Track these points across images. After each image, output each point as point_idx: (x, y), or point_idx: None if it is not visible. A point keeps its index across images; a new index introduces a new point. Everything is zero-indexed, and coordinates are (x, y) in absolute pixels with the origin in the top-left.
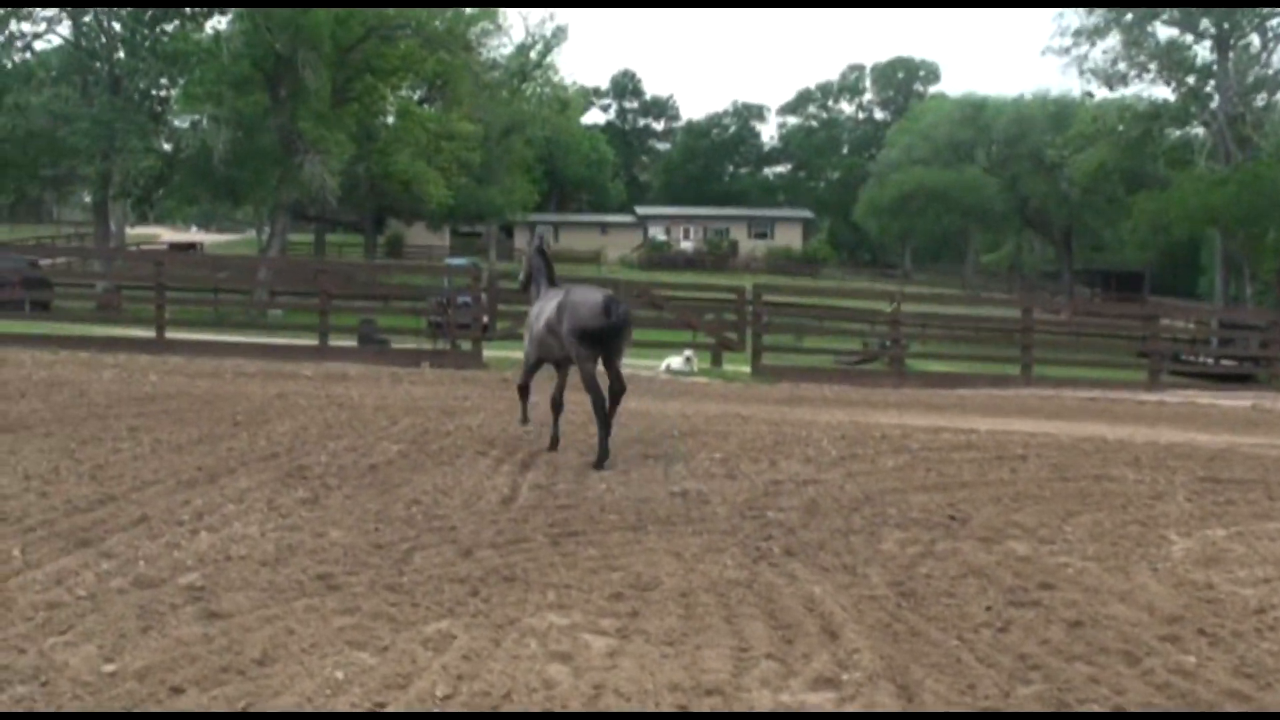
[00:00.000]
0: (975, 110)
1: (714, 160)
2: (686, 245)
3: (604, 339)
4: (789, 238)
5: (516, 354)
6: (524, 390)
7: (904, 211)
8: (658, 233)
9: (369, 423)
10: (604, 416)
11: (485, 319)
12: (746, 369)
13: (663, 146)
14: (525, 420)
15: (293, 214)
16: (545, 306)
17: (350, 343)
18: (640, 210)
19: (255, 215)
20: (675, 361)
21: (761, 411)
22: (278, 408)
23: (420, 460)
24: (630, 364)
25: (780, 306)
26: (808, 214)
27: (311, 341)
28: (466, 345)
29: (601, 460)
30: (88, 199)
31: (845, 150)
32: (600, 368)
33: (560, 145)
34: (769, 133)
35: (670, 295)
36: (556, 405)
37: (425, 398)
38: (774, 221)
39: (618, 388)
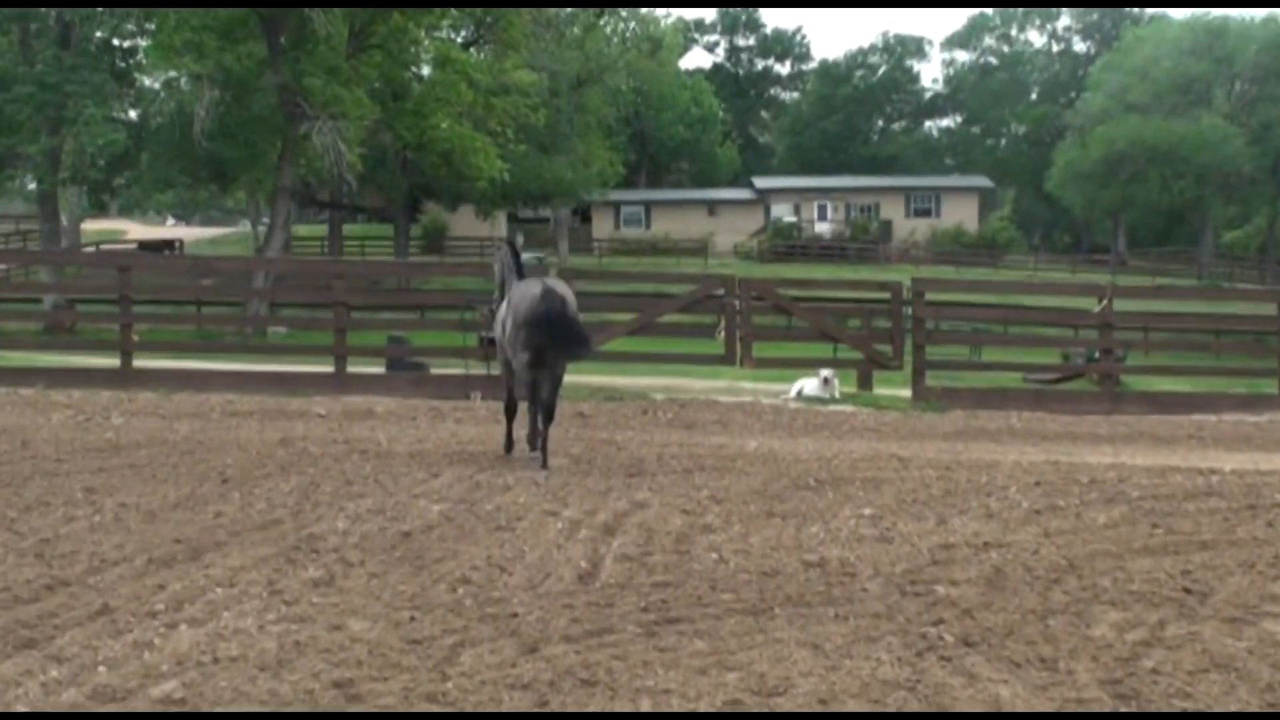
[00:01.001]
0: (1212, 37)
1: (857, 114)
2: (823, 228)
3: (541, 333)
4: (960, 214)
5: (597, 379)
6: (510, 410)
7: (1115, 177)
8: (783, 212)
9: (402, 476)
10: (536, 425)
11: None
12: (905, 393)
13: (789, 97)
14: (509, 448)
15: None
16: (505, 308)
17: (376, 369)
18: (760, 183)
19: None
20: (809, 385)
21: (926, 450)
22: (281, 458)
23: (470, 525)
24: (750, 387)
25: (950, 308)
26: (984, 182)
27: (325, 368)
28: None
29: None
30: (31, 186)
31: (1034, 96)
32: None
33: (652, 99)
34: (931, 75)
35: (801, 296)
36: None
37: (476, 440)
38: (939, 193)
39: (549, 402)
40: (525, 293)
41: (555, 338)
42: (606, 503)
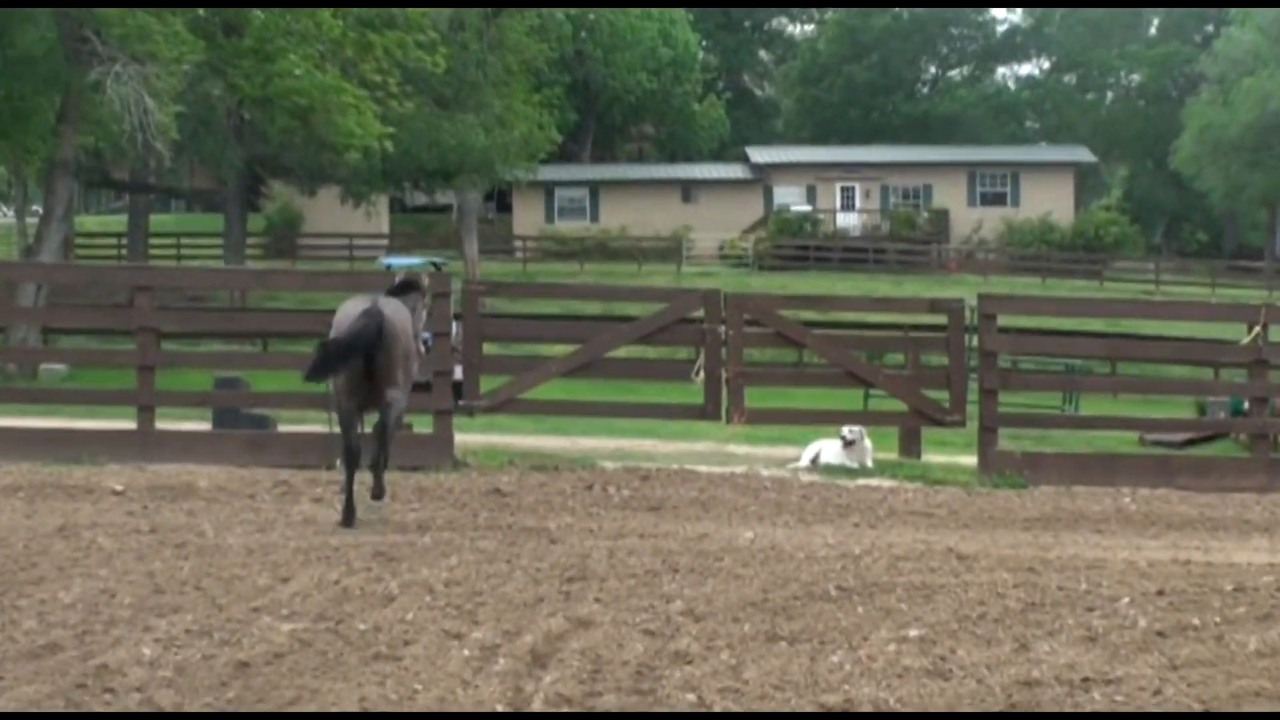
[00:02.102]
0: None
1: (898, 56)
2: (848, 221)
3: (349, 355)
4: (1047, 201)
5: (522, 439)
6: (349, 457)
7: (1271, 150)
8: (792, 198)
9: (236, 580)
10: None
11: (457, 371)
12: (969, 460)
13: (799, 31)
14: (348, 518)
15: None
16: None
17: (199, 424)
18: (758, 156)
19: (12, 183)
20: (828, 449)
21: (999, 543)
22: (59, 555)
23: (336, 652)
24: (743, 452)
25: (1034, 338)
26: (1082, 156)
27: (124, 423)
28: (421, 422)
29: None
30: None
31: (1153, 30)
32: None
33: (601, 33)
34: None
35: (817, 321)
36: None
37: (343, 531)
38: (1017, 171)
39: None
40: (347, 313)
41: (362, 355)
42: (535, 620)
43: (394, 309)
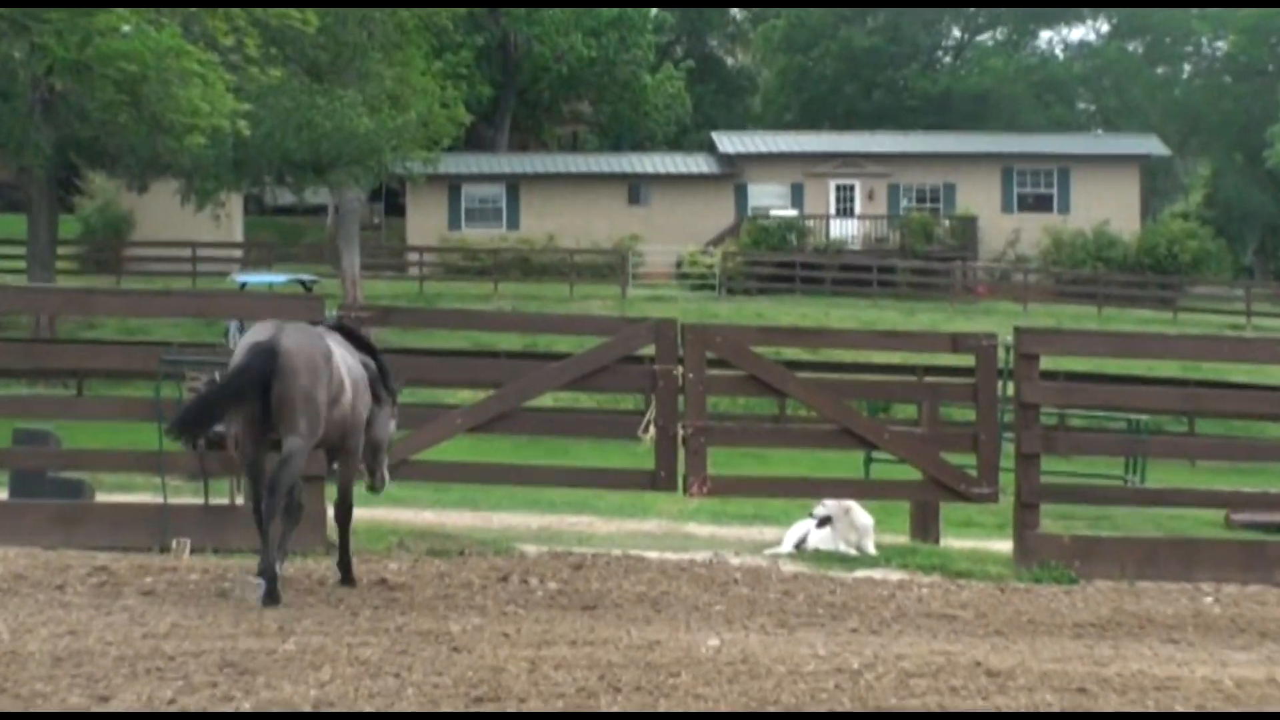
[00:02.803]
0: None
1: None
2: (846, 230)
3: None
4: (1105, 208)
5: (417, 514)
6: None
7: None
8: (771, 199)
9: (38, 699)
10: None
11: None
12: (1002, 546)
13: None
14: (270, 596)
15: None
16: None
17: None
18: (728, 143)
19: None
20: (815, 532)
21: (1041, 655)
22: None
23: None
24: (706, 533)
25: (1086, 385)
26: (1152, 147)
27: None
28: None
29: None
30: None
31: None
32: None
33: None
34: None
35: (803, 361)
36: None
37: (180, 634)
38: (1067, 167)
39: (274, 480)
40: (242, 345)
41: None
42: None
43: (301, 341)
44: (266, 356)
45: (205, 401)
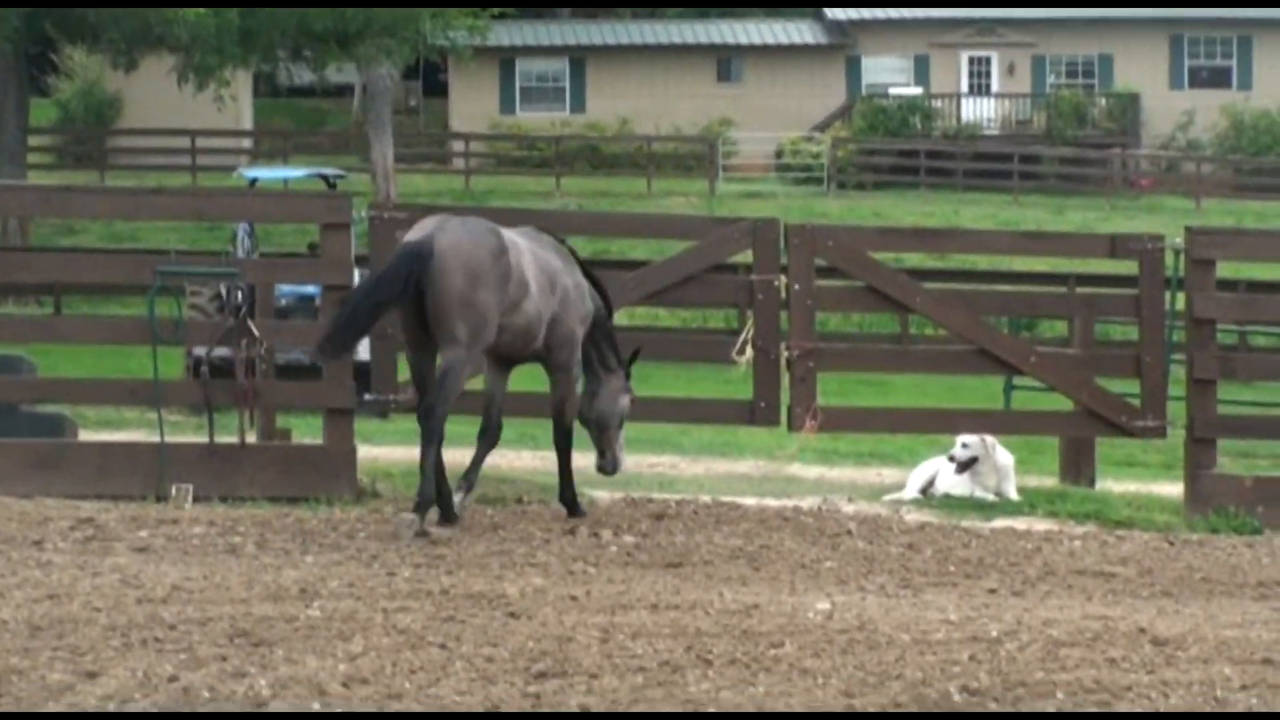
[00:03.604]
0: None
1: None
2: (980, 111)
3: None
4: None
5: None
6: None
7: None
8: (890, 73)
9: (13, 676)
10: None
11: (363, 348)
12: (1171, 489)
13: None
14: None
15: None
16: None
17: None
18: (838, 10)
19: None
20: (945, 474)
21: (1219, 620)
22: None
23: None
24: (813, 476)
25: (1269, 298)
26: None
27: None
28: (306, 427)
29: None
30: None
31: None
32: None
33: None
34: None
35: (931, 269)
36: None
37: (182, 598)
38: (1245, 35)
39: (428, 408)
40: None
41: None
42: None
43: (460, 238)
44: (414, 259)
45: (351, 313)
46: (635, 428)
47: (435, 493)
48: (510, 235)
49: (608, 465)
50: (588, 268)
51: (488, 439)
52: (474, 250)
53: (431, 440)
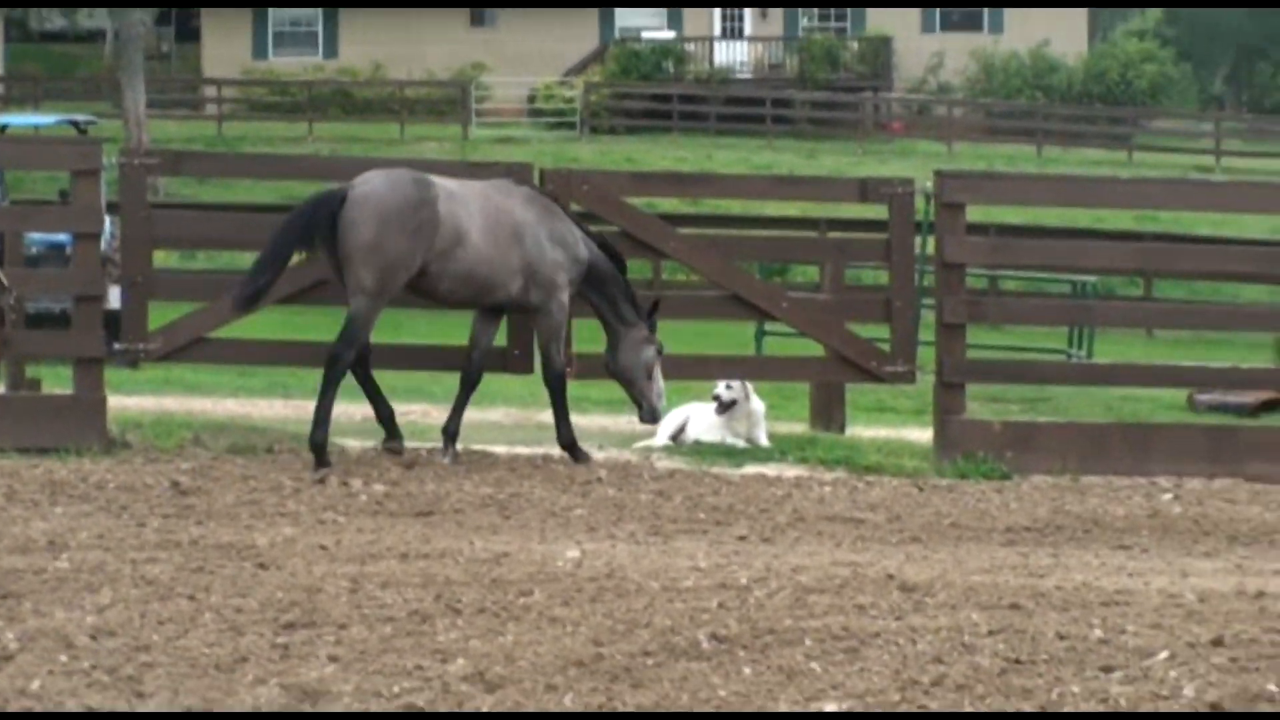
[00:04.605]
0: None
1: None
2: (734, 54)
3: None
4: (1044, 23)
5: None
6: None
7: None
8: (643, 18)
9: None
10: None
11: (113, 296)
12: (919, 435)
13: None
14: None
15: None
16: None
17: None
18: None
19: None
20: (699, 418)
21: (966, 565)
22: None
23: None
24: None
25: (1022, 241)
26: None
27: None
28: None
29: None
30: None
31: None
32: None
33: None
34: None
35: (682, 215)
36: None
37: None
38: None
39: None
40: None
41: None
42: (234, 690)
43: (379, 184)
44: (321, 204)
45: (260, 257)
46: (387, 376)
47: (325, 439)
48: (450, 186)
49: (645, 416)
50: (584, 224)
51: (467, 385)
52: (385, 199)
53: (329, 386)
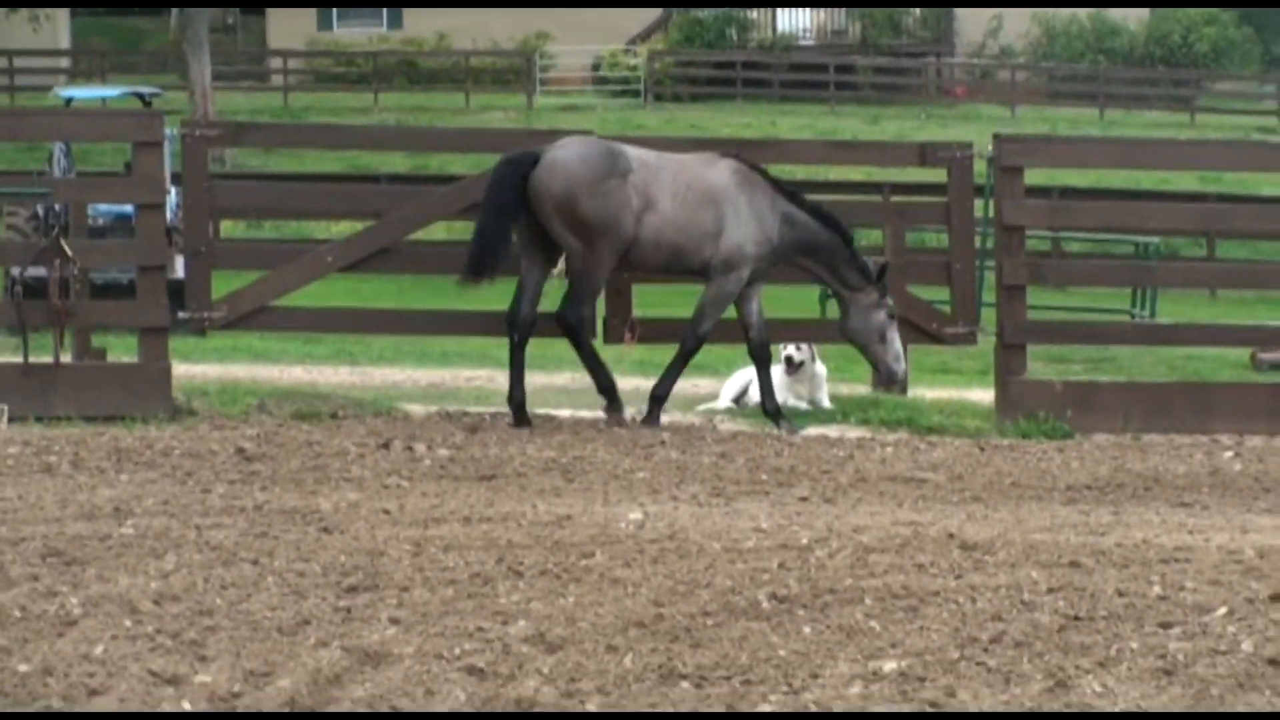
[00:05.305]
0: None
1: None
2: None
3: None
4: None
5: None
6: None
7: None
8: None
9: None
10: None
11: (178, 265)
12: (980, 396)
13: None
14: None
15: None
16: None
17: None
18: None
19: None
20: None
21: (1027, 525)
22: None
23: None
24: (630, 387)
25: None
26: None
27: None
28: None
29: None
30: None
31: None
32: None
33: None
34: None
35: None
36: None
37: None
38: None
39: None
40: None
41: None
42: (297, 653)
43: (573, 149)
44: (515, 165)
45: (478, 232)
46: (451, 342)
47: (610, 380)
48: (645, 156)
49: (883, 379)
50: (802, 197)
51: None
52: (577, 166)
53: (579, 345)
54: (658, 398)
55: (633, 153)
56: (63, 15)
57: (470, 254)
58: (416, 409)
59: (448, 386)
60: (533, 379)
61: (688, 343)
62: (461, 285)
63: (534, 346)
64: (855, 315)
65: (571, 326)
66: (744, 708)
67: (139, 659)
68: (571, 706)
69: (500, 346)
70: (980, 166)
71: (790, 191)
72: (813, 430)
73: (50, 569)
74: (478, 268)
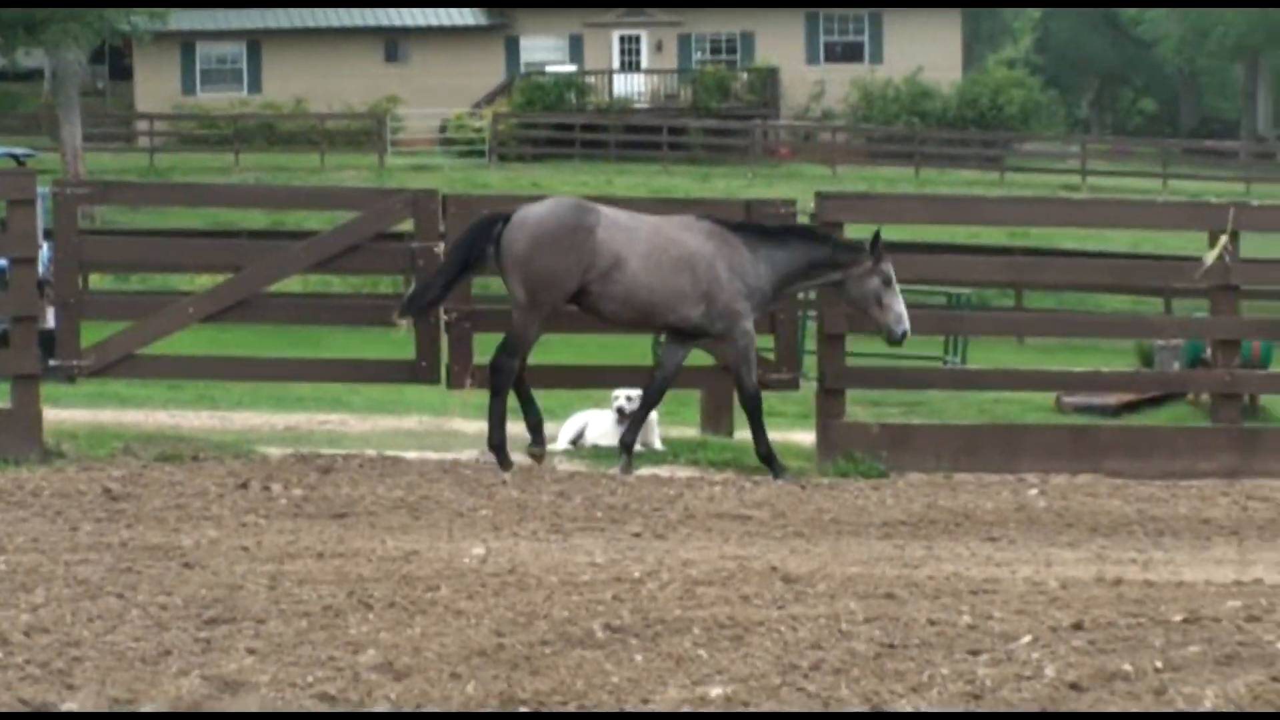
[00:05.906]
0: None
1: None
2: (632, 86)
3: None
4: (920, 53)
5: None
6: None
7: None
8: (547, 52)
9: None
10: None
11: (49, 316)
12: (802, 437)
13: None
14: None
15: None
16: None
17: None
18: None
19: None
20: (598, 424)
21: (845, 558)
22: None
23: None
24: (473, 430)
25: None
26: None
27: None
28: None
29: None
30: None
31: None
32: None
33: None
34: None
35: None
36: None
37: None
38: (875, 12)
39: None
40: None
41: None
42: (159, 682)
43: (542, 209)
44: (484, 226)
45: (432, 277)
46: (306, 388)
47: (503, 439)
48: (618, 216)
49: (888, 338)
50: (774, 229)
51: (646, 401)
52: (543, 221)
53: (496, 395)
54: (762, 455)
55: (605, 211)
56: None
57: (414, 292)
58: (273, 451)
59: (303, 430)
60: (381, 422)
61: (749, 403)
62: (397, 318)
63: (384, 392)
64: (852, 285)
65: (495, 372)
66: None
67: (9, 687)
68: None
69: (352, 392)
70: (803, 221)
71: (762, 231)
72: (645, 470)
73: None
74: (414, 307)
